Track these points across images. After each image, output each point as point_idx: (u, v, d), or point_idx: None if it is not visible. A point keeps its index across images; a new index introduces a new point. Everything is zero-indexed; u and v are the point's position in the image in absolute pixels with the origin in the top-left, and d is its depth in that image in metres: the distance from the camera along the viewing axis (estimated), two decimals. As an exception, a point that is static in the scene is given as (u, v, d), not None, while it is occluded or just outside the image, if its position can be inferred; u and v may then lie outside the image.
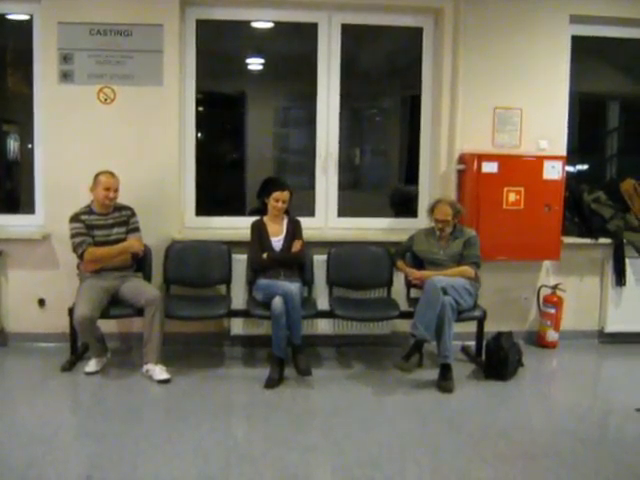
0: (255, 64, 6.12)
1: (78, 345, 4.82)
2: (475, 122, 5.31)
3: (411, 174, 5.74)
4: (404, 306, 4.94)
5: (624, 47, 5.77)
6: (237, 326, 5.17)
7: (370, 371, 4.84)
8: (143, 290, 4.61)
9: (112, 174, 4.66)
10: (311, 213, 5.49)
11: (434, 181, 5.47)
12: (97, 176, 4.64)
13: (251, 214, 5.41)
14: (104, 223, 4.67)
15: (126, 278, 4.71)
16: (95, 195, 4.65)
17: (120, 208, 4.76)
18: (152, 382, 4.42)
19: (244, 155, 6.22)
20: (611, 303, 5.53)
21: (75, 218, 4.61)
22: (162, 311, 4.55)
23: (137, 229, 4.80)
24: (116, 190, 4.67)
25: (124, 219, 4.75)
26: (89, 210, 4.68)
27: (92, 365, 4.60)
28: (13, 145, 5.85)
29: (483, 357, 4.86)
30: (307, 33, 5.37)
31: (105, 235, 4.66)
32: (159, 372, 4.47)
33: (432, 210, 4.88)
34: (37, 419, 3.85)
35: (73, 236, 4.57)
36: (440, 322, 4.45)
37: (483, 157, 5.14)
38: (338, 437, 3.70)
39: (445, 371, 4.50)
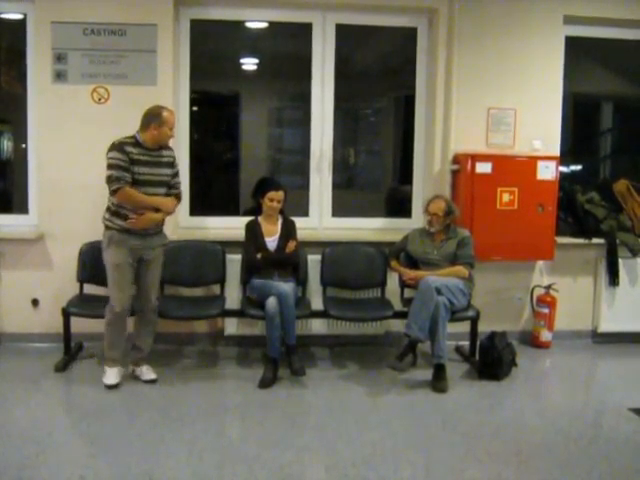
0: (249, 64, 6.11)
1: (71, 345, 4.82)
2: (469, 122, 5.32)
3: (405, 174, 5.74)
4: (398, 306, 4.94)
5: (618, 48, 5.78)
6: (231, 326, 5.17)
7: (364, 371, 4.84)
8: (148, 293, 4.43)
9: (172, 110, 4.35)
10: (305, 213, 5.49)
11: (428, 181, 5.48)
12: (158, 113, 4.20)
13: (245, 214, 5.41)
14: (151, 160, 4.25)
15: (151, 249, 4.37)
16: (157, 135, 4.21)
17: (165, 146, 4.38)
18: (144, 382, 4.42)
19: (238, 155, 6.21)
20: (604, 303, 5.55)
21: (119, 147, 4.14)
22: (155, 323, 4.53)
23: (179, 183, 4.47)
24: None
25: (171, 160, 4.39)
26: (135, 142, 4.21)
27: (113, 375, 4.32)
28: (6, 144, 5.83)
29: (477, 357, 4.87)
30: (301, 33, 5.37)
31: (150, 174, 4.23)
32: (146, 372, 4.47)
33: (427, 205, 4.91)
34: (30, 420, 3.84)
35: (111, 167, 4.12)
36: (434, 322, 4.46)
37: (477, 157, 5.15)
38: (332, 437, 3.70)
39: (439, 371, 4.51)
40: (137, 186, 4.19)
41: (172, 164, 4.41)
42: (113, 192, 4.15)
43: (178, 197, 4.47)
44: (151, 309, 4.48)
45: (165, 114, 4.24)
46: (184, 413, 3.98)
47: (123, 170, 4.12)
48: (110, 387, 4.29)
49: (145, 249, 4.34)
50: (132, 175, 4.16)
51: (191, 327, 5.22)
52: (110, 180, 4.13)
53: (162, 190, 4.33)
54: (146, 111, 4.27)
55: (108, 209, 4.30)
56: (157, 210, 4.29)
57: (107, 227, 4.31)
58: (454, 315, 4.61)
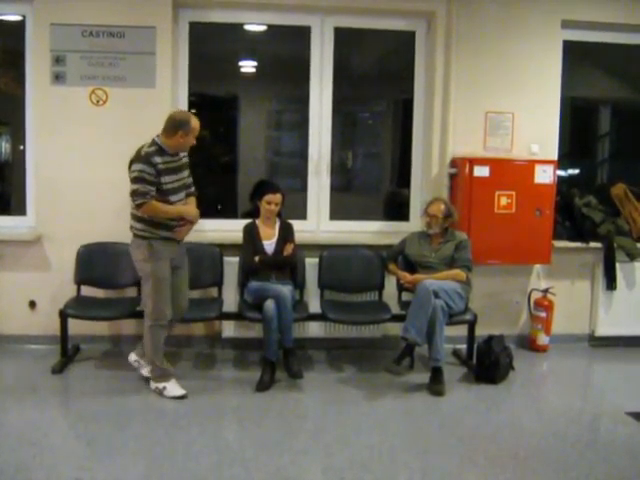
0: (248, 67, 6.12)
1: (69, 347, 4.81)
2: (467, 126, 5.33)
3: (403, 177, 5.75)
4: (395, 309, 4.94)
5: (616, 52, 5.80)
6: (229, 329, 5.16)
7: (361, 374, 4.84)
8: (183, 300, 4.43)
9: (196, 117, 4.19)
10: (303, 216, 5.49)
11: (426, 185, 5.48)
12: (187, 121, 4.07)
13: (243, 217, 5.41)
14: (174, 166, 4.14)
15: (182, 255, 4.39)
16: (182, 143, 4.10)
17: None
18: (143, 384, 4.40)
19: (236, 158, 6.21)
20: (601, 307, 5.55)
21: (146, 159, 3.99)
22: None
23: (192, 182, 4.38)
24: None
25: (187, 161, 4.29)
26: (160, 149, 4.06)
27: (176, 386, 4.25)
28: (4, 146, 5.83)
29: (474, 360, 4.88)
30: (300, 36, 5.37)
31: (175, 181, 4.15)
32: (147, 370, 4.46)
33: (427, 207, 4.91)
34: (27, 421, 3.83)
35: (137, 180, 3.97)
36: (431, 325, 4.46)
37: (475, 161, 5.16)
38: (329, 440, 3.70)
39: (436, 374, 4.51)
40: (162, 195, 4.09)
41: (187, 165, 4.34)
42: (138, 206, 4.03)
43: (195, 196, 4.41)
44: (182, 314, 4.48)
45: (193, 122, 4.11)
46: (181, 415, 3.97)
47: (149, 184, 4.00)
48: (182, 397, 4.21)
49: (178, 256, 4.32)
50: (158, 186, 4.05)
51: (188, 329, 5.21)
52: (135, 194, 4.00)
53: (183, 194, 4.28)
54: (172, 116, 4.13)
55: (141, 220, 4.14)
56: (182, 218, 4.25)
57: (141, 237, 4.17)
58: (451, 318, 4.62)
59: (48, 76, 4.97)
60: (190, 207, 4.32)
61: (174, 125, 4.08)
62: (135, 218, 4.19)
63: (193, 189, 4.41)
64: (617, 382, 4.98)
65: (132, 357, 4.56)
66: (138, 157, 4.04)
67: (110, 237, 4.99)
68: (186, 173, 4.32)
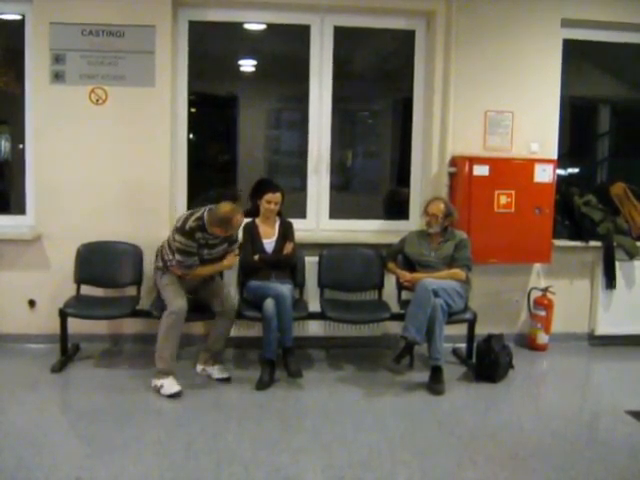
0: (247, 66, 6.12)
1: (68, 346, 4.81)
2: (467, 125, 5.33)
3: (403, 176, 5.75)
4: (395, 308, 4.94)
5: (615, 51, 5.79)
6: (228, 328, 5.16)
7: (361, 373, 4.84)
8: (218, 297, 4.58)
9: (242, 213, 4.39)
10: (303, 215, 5.49)
11: (426, 184, 5.48)
12: (228, 221, 4.22)
13: (243, 216, 5.40)
14: (212, 243, 4.42)
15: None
16: (219, 233, 4.31)
17: None
18: (142, 384, 4.40)
19: (236, 156, 6.21)
20: (601, 306, 5.56)
21: (190, 234, 4.27)
22: (230, 324, 4.66)
23: (237, 241, 4.67)
24: None
25: (228, 236, 4.50)
26: (203, 226, 4.29)
27: (172, 384, 4.26)
28: (4, 145, 5.83)
29: (474, 359, 4.88)
30: (300, 35, 5.37)
31: (210, 254, 4.46)
32: (218, 371, 4.57)
33: (427, 206, 4.91)
34: (27, 420, 3.83)
35: (183, 252, 4.30)
36: (431, 324, 4.46)
37: (474, 160, 5.16)
38: (328, 439, 3.70)
39: (436, 373, 4.51)
40: (199, 267, 4.44)
41: (228, 238, 4.48)
42: (184, 275, 4.41)
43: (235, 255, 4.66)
44: (228, 310, 4.57)
45: (235, 221, 4.27)
46: (180, 414, 3.98)
47: (193, 256, 4.34)
48: (176, 395, 4.22)
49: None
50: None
51: (188, 328, 5.19)
52: (183, 265, 4.35)
53: (209, 261, 4.51)
54: (219, 211, 4.23)
55: (165, 264, 4.47)
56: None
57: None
58: (451, 317, 4.62)
59: (48, 75, 4.97)
60: (225, 264, 4.60)
61: (217, 220, 4.25)
62: (162, 260, 4.51)
63: (236, 244, 4.65)
64: (616, 381, 4.99)
65: (198, 368, 4.64)
66: (182, 229, 4.28)
67: (110, 236, 5.00)
68: (225, 246, 4.52)
